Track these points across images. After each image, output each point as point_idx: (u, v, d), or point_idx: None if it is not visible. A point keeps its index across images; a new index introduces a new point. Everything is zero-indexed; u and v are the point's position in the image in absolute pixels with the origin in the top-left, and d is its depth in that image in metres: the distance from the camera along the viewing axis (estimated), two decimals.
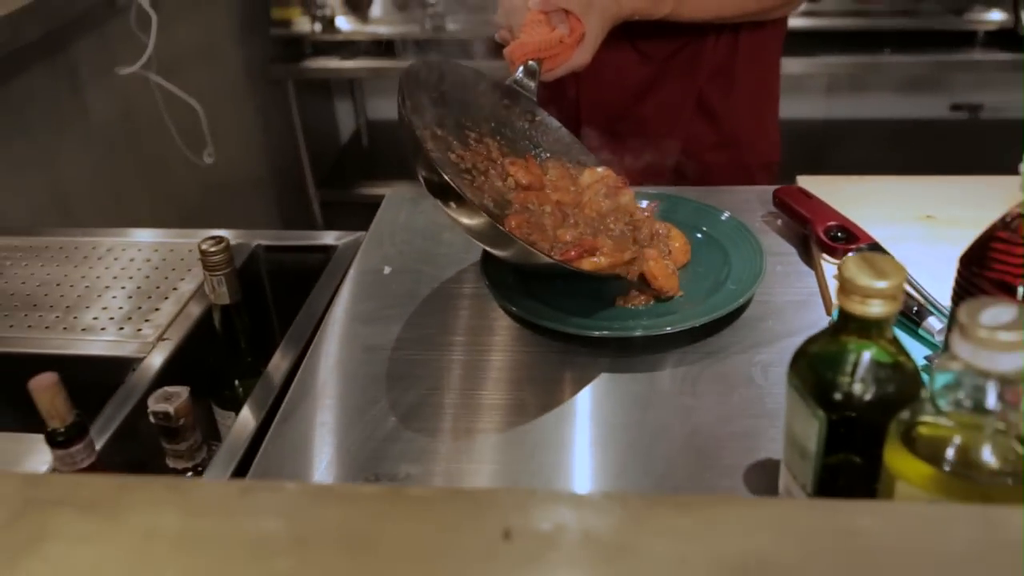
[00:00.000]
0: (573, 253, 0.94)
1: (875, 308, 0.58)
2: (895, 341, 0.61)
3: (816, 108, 3.01)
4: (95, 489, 0.52)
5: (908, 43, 2.51)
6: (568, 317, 0.97)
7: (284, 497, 0.52)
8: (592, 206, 1.03)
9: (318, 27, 2.58)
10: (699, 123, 1.41)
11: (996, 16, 2.44)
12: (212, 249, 0.98)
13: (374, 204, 1.33)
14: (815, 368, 0.63)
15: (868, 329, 0.60)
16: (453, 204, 0.88)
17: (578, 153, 1.13)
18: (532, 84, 1.08)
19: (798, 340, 0.92)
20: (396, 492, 0.53)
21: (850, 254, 1.00)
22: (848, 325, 0.61)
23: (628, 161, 1.20)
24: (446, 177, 0.85)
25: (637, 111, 1.38)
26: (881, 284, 0.58)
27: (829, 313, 0.98)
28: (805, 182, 1.18)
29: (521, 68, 1.08)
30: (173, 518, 0.48)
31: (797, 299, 1.01)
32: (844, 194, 1.13)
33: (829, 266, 1.03)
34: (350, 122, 3.24)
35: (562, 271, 0.93)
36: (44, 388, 0.77)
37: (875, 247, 1.01)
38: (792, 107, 2.68)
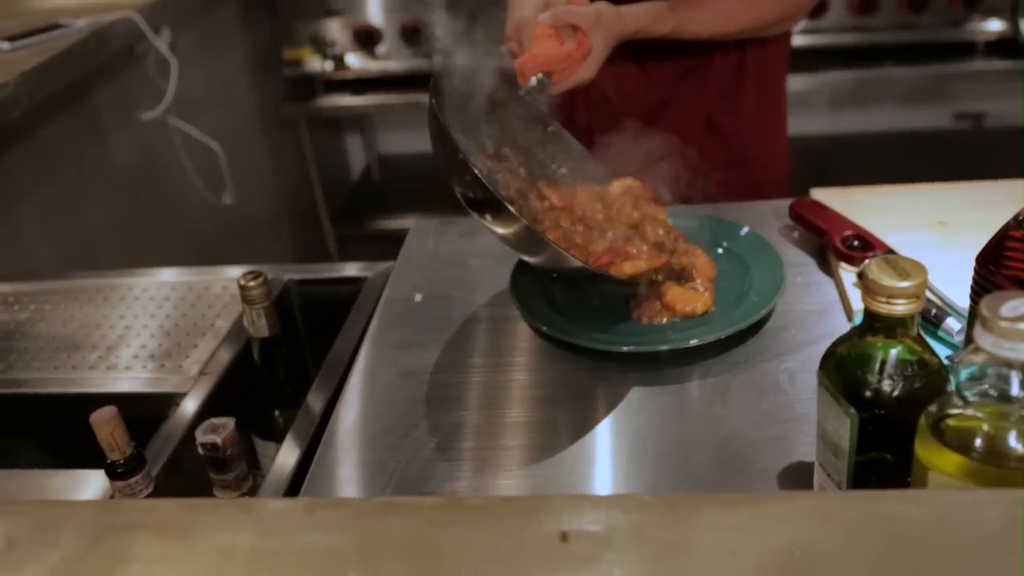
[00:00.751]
0: (606, 259, 0.97)
1: (900, 307, 0.61)
2: (920, 339, 0.64)
3: (821, 123, 3.05)
4: (168, 513, 0.54)
5: (909, 56, 2.55)
6: (596, 334, 1.00)
7: (348, 512, 0.54)
8: (621, 217, 1.07)
9: (329, 65, 2.63)
10: (709, 142, 1.45)
11: (995, 26, 2.48)
12: (251, 284, 1.02)
13: (388, 237, 1.36)
14: (844, 368, 0.66)
15: (893, 328, 0.63)
16: (489, 216, 0.92)
17: (591, 166, 1.17)
18: (542, 96, 1.12)
19: (821, 347, 0.94)
20: (455, 502, 0.56)
21: (867, 262, 1.02)
22: (874, 325, 0.64)
23: (642, 179, 1.23)
24: (486, 183, 0.88)
25: (648, 134, 1.41)
26: (905, 284, 0.61)
27: (850, 319, 1.01)
28: (819, 194, 1.21)
29: (533, 79, 1.11)
30: (245, 537, 0.50)
31: (818, 307, 1.04)
32: (857, 204, 1.17)
33: (847, 274, 1.06)
34: (360, 157, 3.29)
35: (597, 278, 0.96)
36: (104, 421, 0.80)
37: (890, 254, 1.04)
38: (797, 123, 2.70)
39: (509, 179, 1.06)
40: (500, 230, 0.93)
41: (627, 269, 0.97)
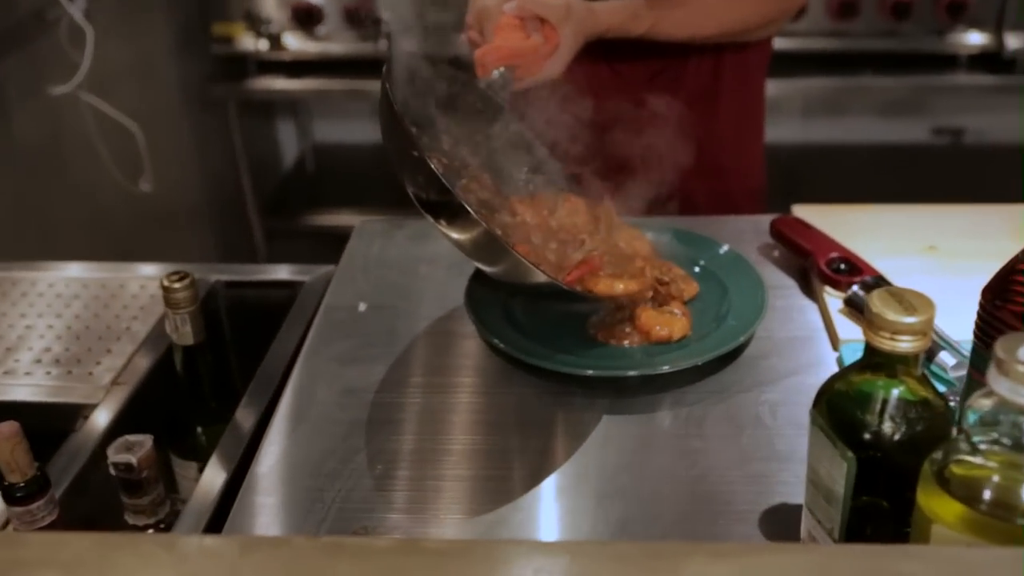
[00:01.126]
0: (576, 273, 0.96)
1: (904, 344, 0.61)
2: (924, 378, 0.63)
3: (793, 132, 3.08)
4: (78, 549, 0.52)
5: (889, 65, 2.59)
6: (559, 355, 0.99)
7: (289, 554, 0.52)
8: (572, 231, 1.06)
9: (263, 44, 2.58)
10: (680, 150, 1.45)
11: (978, 39, 2.53)
12: (177, 285, 0.99)
13: (322, 234, 1.34)
14: (841, 407, 0.65)
15: (895, 366, 0.63)
16: (444, 219, 0.90)
17: (553, 169, 1.15)
18: (503, 92, 1.11)
19: (804, 378, 0.96)
20: (411, 545, 0.54)
21: (854, 287, 1.04)
22: (875, 362, 0.63)
23: (607, 189, 1.23)
24: (444, 181, 0.86)
25: (615, 139, 1.41)
26: (911, 320, 0.60)
27: (836, 348, 1.01)
28: (802, 211, 1.22)
29: (495, 73, 1.09)
30: None
31: (800, 335, 1.04)
32: (843, 224, 1.17)
33: (833, 300, 1.06)
34: (294, 146, 3.25)
35: (564, 295, 0.94)
36: (4, 439, 0.76)
37: (879, 280, 1.05)
38: (768, 131, 2.74)
39: (474, 188, 1.04)
40: (456, 235, 0.92)
41: (600, 287, 0.96)
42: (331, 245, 1.28)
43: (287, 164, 3.24)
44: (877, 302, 0.62)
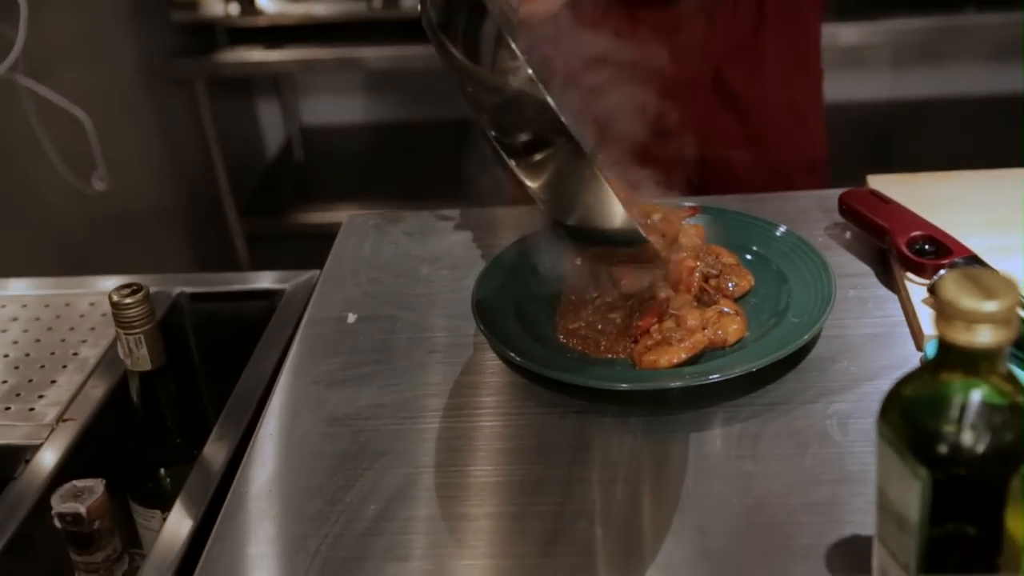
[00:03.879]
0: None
1: (984, 336, 0.61)
2: (1011, 377, 0.64)
3: (881, 87, 3.06)
4: None
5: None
6: (587, 367, 0.99)
7: None
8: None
9: (234, 9, 2.61)
10: (719, 113, 1.45)
11: None
12: (127, 300, 1.00)
13: (314, 235, 1.35)
14: (912, 415, 0.66)
15: (975, 363, 0.63)
16: (530, 147, 0.94)
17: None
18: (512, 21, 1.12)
19: (881, 384, 0.96)
20: None
21: (942, 272, 1.03)
22: (950, 359, 0.63)
23: (630, 164, 1.24)
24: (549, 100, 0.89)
25: (639, 102, 1.41)
26: (990, 306, 0.61)
27: (920, 348, 1.01)
28: (877, 182, 1.22)
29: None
30: None
31: (877, 332, 1.04)
32: (928, 196, 1.17)
33: (916, 288, 1.06)
34: (278, 130, 3.28)
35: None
36: None
37: (973, 260, 1.05)
38: (850, 87, 2.72)
39: None
40: (537, 172, 0.95)
41: (661, 361, 0.99)
42: (326, 247, 1.29)
43: (270, 152, 3.26)
44: (950, 286, 0.62)
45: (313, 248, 1.29)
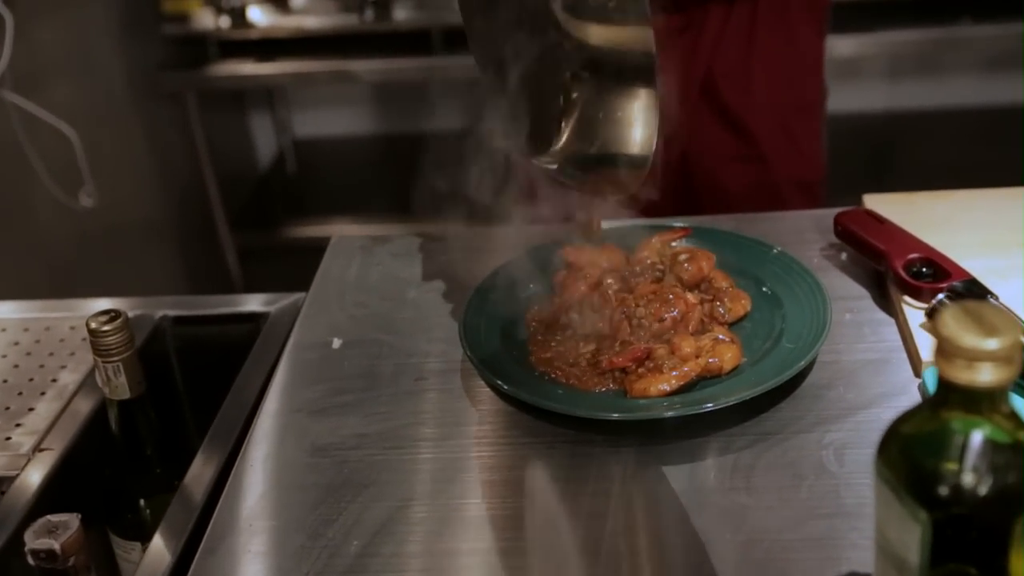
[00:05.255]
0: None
1: (985, 375, 0.59)
2: (1014, 416, 0.62)
3: (877, 99, 3.06)
4: None
5: (993, 10, 2.56)
6: (577, 395, 0.98)
7: None
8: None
9: (225, 22, 2.61)
10: (710, 127, 1.43)
11: None
12: (105, 328, 0.99)
13: (308, 250, 1.34)
14: (911, 455, 0.64)
15: (977, 402, 0.61)
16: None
17: None
18: None
19: (879, 412, 0.95)
20: None
21: (941, 296, 1.02)
22: (950, 398, 0.62)
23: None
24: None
25: None
26: (991, 344, 0.59)
27: (918, 374, 1.00)
28: (874, 202, 1.20)
29: None
30: None
31: (874, 357, 1.03)
32: (925, 216, 1.16)
33: (914, 312, 1.05)
34: (271, 143, 3.27)
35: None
36: None
37: (972, 285, 1.03)
38: (844, 98, 2.70)
39: None
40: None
41: (652, 390, 0.98)
42: (318, 261, 1.29)
43: (262, 166, 3.26)
44: (949, 322, 0.60)
45: (307, 264, 1.28)
